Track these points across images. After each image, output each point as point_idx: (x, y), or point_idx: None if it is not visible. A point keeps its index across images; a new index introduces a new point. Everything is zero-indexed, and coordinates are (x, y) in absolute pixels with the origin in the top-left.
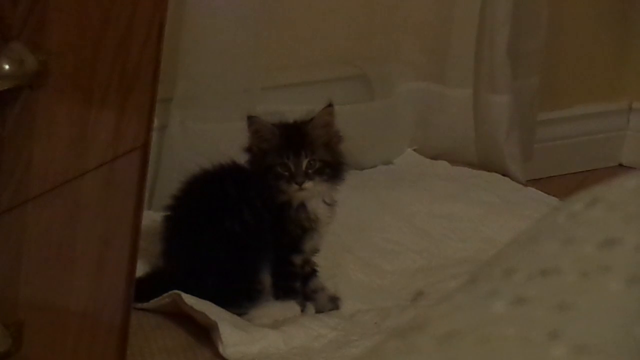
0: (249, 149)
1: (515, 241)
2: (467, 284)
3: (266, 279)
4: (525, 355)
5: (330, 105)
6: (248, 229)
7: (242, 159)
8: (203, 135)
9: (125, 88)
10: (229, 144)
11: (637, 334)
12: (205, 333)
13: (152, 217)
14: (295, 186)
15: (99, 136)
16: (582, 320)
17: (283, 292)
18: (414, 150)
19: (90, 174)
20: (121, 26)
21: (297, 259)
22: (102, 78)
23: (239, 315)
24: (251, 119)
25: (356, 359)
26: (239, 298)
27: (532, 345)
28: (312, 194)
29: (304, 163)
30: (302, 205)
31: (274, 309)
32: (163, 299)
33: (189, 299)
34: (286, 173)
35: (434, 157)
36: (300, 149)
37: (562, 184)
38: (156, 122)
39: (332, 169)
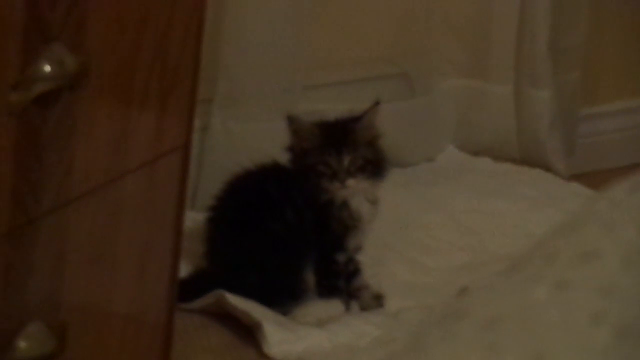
0: (290, 149)
1: (555, 229)
2: (507, 271)
3: (309, 277)
4: (568, 340)
5: (377, 103)
6: (290, 228)
7: (284, 158)
8: (244, 135)
9: (165, 87)
10: (270, 144)
11: None
12: (249, 332)
13: (195, 218)
14: (338, 184)
15: (139, 136)
16: (624, 303)
17: (327, 290)
18: (456, 147)
19: (131, 175)
20: (160, 25)
21: (341, 257)
22: (142, 77)
23: (283, 314)
24: (291, 119)
25: (398, 351)
26: (282, 297)
27: (575, 330)
28: (354, 191)
29: (346, 161)
30: (345, 204)
31: (318, 308)
32: (207, 299)
33: (233, 299)
34: (329, 171)
35: (476, 154)
36: (342, 146)
37: (605, 179)
38: (197, 123)
39: (374, 166)
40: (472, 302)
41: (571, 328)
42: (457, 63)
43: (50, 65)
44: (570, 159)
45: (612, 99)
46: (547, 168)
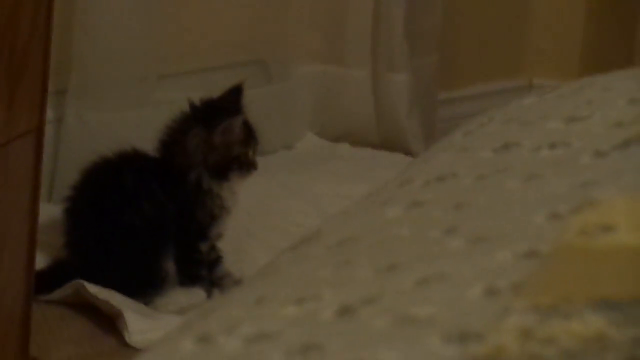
0: (211, 145)
1: (411, 162)
2: (361, 200)
3: (170, 266)
4: (421, 250)
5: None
6: (148, 218)
7: (141, 147)
8: (100, 126)
9: (16, 69)
10: (126, 133)
11: (535, 222)
12: (110, 322)
13: (53, 210)
14: (253, 171)
15: None
16: (479, 216)
17: (189, 279)
18: (315, 133)
19: None
20: (7, 5)
21: (204, 246)
22: None
23: (145, 303)
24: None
25: (252, 276)
26: (142, 287)
27: (428, 242)
28: None
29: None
30: (216, 193)
31: (179, 296)
32: (66, 290)
33: (93, 288)
34: (246, 161)
35: (336, 140)
36: (253, 138)
37: None
38: (52, 114)
39: None
40: (324, 226)
41: (425, 240)
42: (313, 49)
43: None
44: (429, 143)
45: (471, 83)
46: (407, 152)
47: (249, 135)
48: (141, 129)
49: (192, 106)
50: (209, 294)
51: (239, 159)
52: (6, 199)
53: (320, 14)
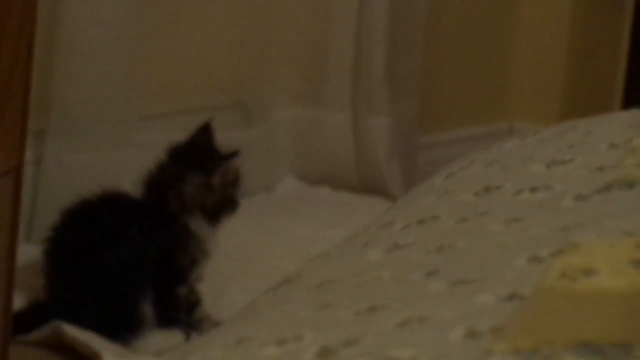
0: (209, 188)
1: (392, 206)
2: (342, 243)
3: (147, 309)
4: (402, 292)
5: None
6: (124, 261)
7: (120, 188)
8: (79, 166)
9: None
10: (106, 174)
11: (517, 265)
12: None
13: (31, 251)
14: (233, 212)
15: None
16: (460, 259)
17: (167, 322)
18: (295, 176)
19: None
20: None
21: (183, 290)
22: None
23: (123, 345)
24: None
25: (233, 318)
26: (120, 329)
27: (409, 284)
28: None
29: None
30: (197, 236)
31: (157, 338)
32: (44, 331)
33: (71, 330)
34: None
35: (316, 183)
36: (239, 178)
37: None
38: (31, 155)
39: None
40: (306, 269)
41: (405, 282)
42: (294, 92)
43: None
44: (409, 186)
45: (451, 127)
46: (387, 195)
47: (237, 175)
48: (121, 169)
49: (175, 150)
50: (187, 337)
51: (231, 199)
52: None
53: (301, 57)
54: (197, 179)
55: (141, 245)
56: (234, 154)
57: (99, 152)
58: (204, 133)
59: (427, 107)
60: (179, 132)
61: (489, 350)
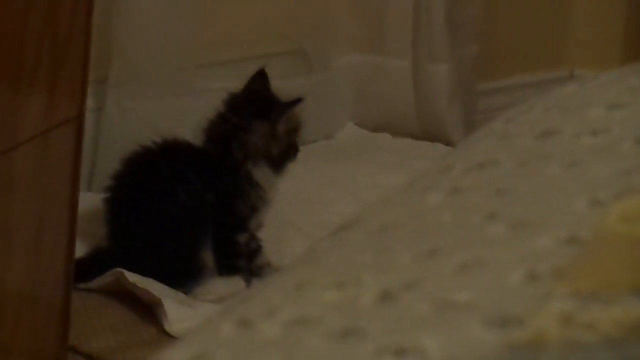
0: (274, 137)
1: (452, 150)
2: (401, 187)
3: (208, 256)
4: (462, 236)
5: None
6: (184, 209)
7: (183, 135)
8: (140, 114)
9: (57, 58)
10: (166, 122)
11: (577, 208)
12: (149, 311)
13: (93, 199)
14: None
15: (31, 108)
16: (520, 202)
17: (227, 269)
18: (355, 123)
19: (23, 147)
20: None
21: (242, 238)
22: (31, 48)
23: (184, 292)
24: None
25: (293, 264)
26: (181, 276)
27: (469, 228)
28: None
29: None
30: (258, 183)
31: (218, 285)
32: (106, 278)
33: (132, 277)
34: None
35: (376, 130)
36: (300, 124)
37: None
38: (93, 103)
39: None
40: (364, 213)
41: (465, 225)
42: (353, 38)
43: None
44: (469, 133)
45: (511, 74)
46: (447, 142)
47: (299, 122)
48: (180, 117)
49: (233, 99)
50: (248, 283)
51: (294, 146)
52: (47, 186)
53: (361, 4)
54: (262, 127)
55: (201, 193)
56: (296, 101)
57: (159, 100)
58: (260, 80)
59: (487, 54)
60: (238, 80)
61: (549, 292)
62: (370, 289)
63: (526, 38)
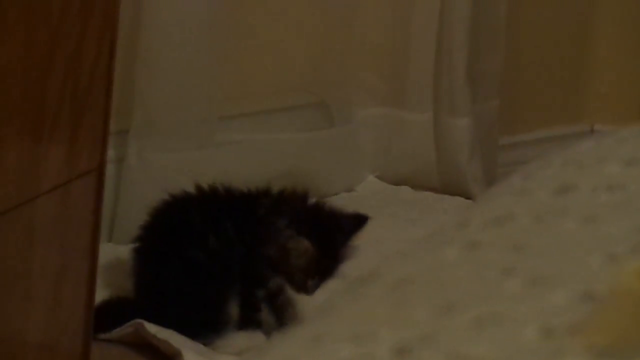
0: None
1: (470, 204)
2: (419, 241)
3: (233, 310)
4: (478, 290)
5: None
6: (214, 257)
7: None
8: (161, 166)
9: (78, 108)
10: (187, 174)
11: (592, 263)
12: None
13: (113, 250)
14: None
15: (52, 158)
16: (536, 257)
17: (250, 323)
18: (376, 176)
19: (44, 197)
20: (71, 44)
21: (265, 291)
22: (54, 98)
23: (204, 344)
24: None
25: (311, 316)
26: (203, 329)
27: (484, 282)
28: None
29: None
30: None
31: (239, 339)
32: (125, 329)
33: (152, 328)
34: None
35: (396, 183)
36: None
37: None
38: (114, 154)
39: None
40: (382, 267)
41: (481, 280)
42: (375, 92)
43: None
44: (490, 188)
45: (532, 128)
46: (468, 196)
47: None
48: (201, 169)
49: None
50: (269, 336)
51: None
52: (67, 237)
53: (382, 57)
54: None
55: (232, 241)
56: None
57: (180, 152)
58: None
59: (508, 108)
60: (260, 132)
61: (563, 347)
62: (386, 343)
63: (547, 93)
